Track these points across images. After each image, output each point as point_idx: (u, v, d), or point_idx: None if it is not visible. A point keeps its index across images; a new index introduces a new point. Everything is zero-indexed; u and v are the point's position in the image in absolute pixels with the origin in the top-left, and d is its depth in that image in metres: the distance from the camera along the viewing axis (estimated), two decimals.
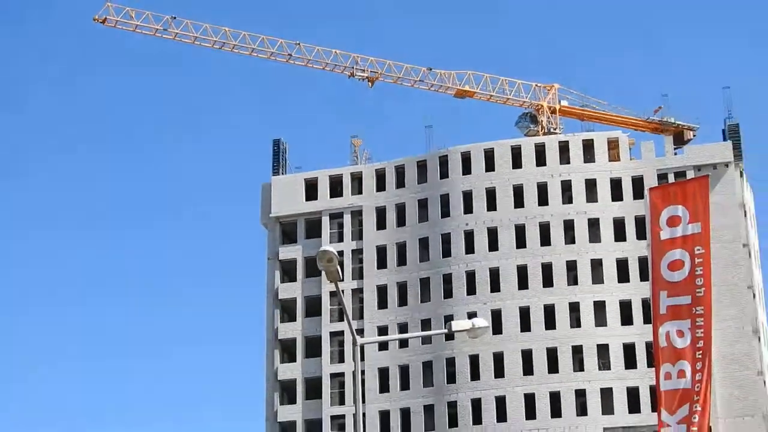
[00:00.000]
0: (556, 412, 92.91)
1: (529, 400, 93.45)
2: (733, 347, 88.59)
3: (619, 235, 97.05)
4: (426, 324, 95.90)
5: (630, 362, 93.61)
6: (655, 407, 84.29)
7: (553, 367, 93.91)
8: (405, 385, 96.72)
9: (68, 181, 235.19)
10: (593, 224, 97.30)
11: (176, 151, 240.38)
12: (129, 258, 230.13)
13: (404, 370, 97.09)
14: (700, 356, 25.47)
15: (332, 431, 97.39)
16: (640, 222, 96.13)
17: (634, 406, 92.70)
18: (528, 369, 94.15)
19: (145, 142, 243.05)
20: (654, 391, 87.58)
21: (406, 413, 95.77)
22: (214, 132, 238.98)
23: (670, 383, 25.74)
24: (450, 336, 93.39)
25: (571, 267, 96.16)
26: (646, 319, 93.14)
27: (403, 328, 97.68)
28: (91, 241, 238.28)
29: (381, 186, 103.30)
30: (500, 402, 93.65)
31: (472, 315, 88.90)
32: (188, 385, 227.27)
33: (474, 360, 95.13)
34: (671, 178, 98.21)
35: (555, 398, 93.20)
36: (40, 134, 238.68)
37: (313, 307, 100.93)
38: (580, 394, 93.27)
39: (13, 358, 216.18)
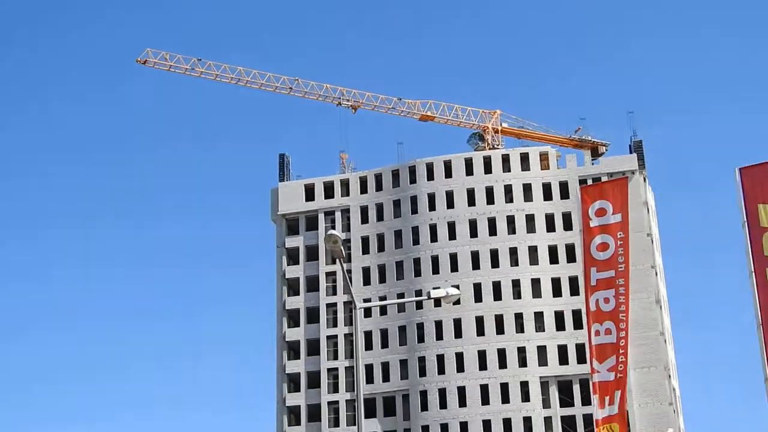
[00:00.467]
0: (502, 364, 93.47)
1: (482, 355, 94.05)
2: (640, 314, 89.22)
3: (550, 227, 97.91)
4: (400, 296, 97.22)
5: (560, 325, 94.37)
6: (580, 360, 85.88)
7: (500, 329, 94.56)
8: (385, 344, 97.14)
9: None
10: (529, 219, 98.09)
11: (203, 161, 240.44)
12: (163, 245, 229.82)
13: (384, 333, 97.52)
14: (622, 318, 26.37)
15: (328, 380, 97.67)
16: (566, 217, 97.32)
17: (563, 360, 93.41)
18: (480, 331, 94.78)
19: (179, 153, 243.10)
20: (579, 348, 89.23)
21: (385, 366, 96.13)
22: (234, 147, 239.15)
23: (599, 339, 26.60)
24: (419, 305, 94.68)
25: (513, 252, 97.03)
26: (573, 292, 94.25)
27: (382, 299, 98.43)
28: (134, 234, 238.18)
29: (364, 190, 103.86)
30: (459, 357, 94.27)
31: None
32: (207, 335, 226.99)
33: (438, 324, 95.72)
34: (589, 183, 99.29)
35: (501, 354, 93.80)
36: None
37: (312, 285, 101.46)
38: (521, 351, 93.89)
39: None
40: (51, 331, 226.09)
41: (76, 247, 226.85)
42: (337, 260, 20.70)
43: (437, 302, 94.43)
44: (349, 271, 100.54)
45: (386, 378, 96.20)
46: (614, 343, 25.91)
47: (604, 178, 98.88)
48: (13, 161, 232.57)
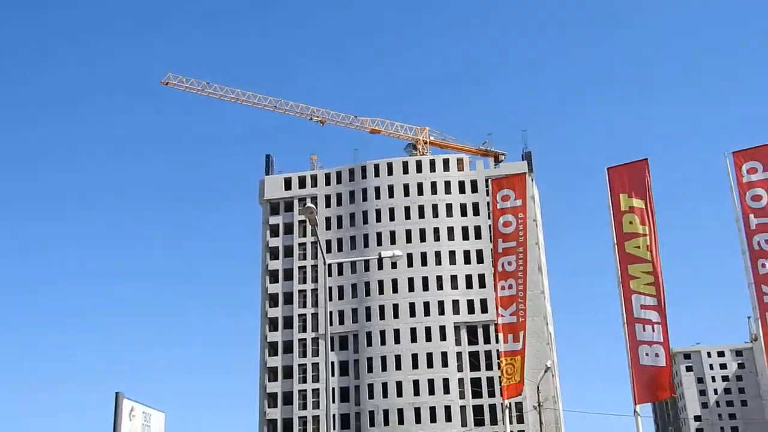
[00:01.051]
0: (427, 312, 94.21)
1: (412, 306, 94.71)
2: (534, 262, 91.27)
3: (464, 213, 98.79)
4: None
5: (469, 285, 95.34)
6: (483, 311, 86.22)
7: (425, 287, 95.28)
8: (341, 296, 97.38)
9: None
10: (449, 207, 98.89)
11: (209, 159, 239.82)
12: (173, 224, 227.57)
13: (340, 288, 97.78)
14: (521, 276, 26.82)
15: (299, 323, 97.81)
16: (475, 206, 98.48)
17: (471, 310, 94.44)
18: (411, 288, 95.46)
19: (190, 153, 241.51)
20: (482, 302, 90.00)
21: (341, 313, 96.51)
22: (231, 149, 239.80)
23: (503, 292, 27.12)
24: (367, 268, 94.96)
25: (436, 231, 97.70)
26: (478, 260, 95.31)
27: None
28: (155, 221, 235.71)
29: (328, 182, 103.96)
30: (395, 307, 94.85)
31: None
32: (202, 288, 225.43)
33: (380, 283, 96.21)
34: (491, 182, 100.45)
35: (426, 305, 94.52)
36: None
37: (288, 252, 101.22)
38: (441, 303, 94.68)
39: None
40: None
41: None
42: (311, 226, 20.98)
43: (380, 266, 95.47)
44: (315, 244, 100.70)
45: (341, 322, 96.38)
46: (515, 295, 26.39)
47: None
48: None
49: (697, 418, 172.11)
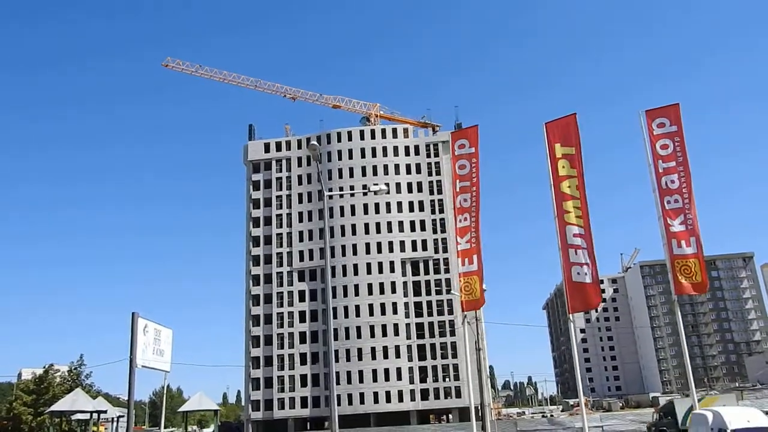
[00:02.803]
0: (379, 250, 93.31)
1: (367, 245, 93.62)
2: None
3: (409, 171, 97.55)
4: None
5: (413, 228, 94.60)
6: (424, 249, 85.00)
7: (378, 230, 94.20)
8: (310, 238, 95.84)
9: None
10: (397, 166, 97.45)
11: (203, 129, 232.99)
12: (172, 184, 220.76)
13: (310, 232, 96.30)
14: (473, 209, 25.54)
15: (276, 259, 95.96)
16: (417, 166, 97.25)
17: (414, 248, 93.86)
18: (367, 231, 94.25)
19: (187, 126, 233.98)
20: (423, 242, 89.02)
21: (311, 251, 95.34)
22: (221, 121, 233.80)
23: (461, 224, 25.79)
24: (331, 215, 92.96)
25: (387, 185, 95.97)
26: (420, 209, 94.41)
27: (310, 212, 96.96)
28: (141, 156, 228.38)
29: (299, 147, 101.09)
30: (354, 247, 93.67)
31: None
32: (200, 226, 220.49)
33: (343, 227, 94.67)
34: (431, 147, 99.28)
35: (379, 244, 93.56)
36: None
37: (267, 203, 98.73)
38: (390, 243, 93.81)
39: None
40: None
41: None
42: (313, 160, 19.18)
43: (342, 213, 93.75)
44: (289, 196, 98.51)
45: (311, 258, 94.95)
46: (469, 226, 25.20)
47: (440, 146, 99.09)
48: None
49: (582, 331, 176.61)
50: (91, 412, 19.20)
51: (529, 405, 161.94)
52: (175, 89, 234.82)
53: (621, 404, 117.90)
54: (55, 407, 18.66)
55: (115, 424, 23.92)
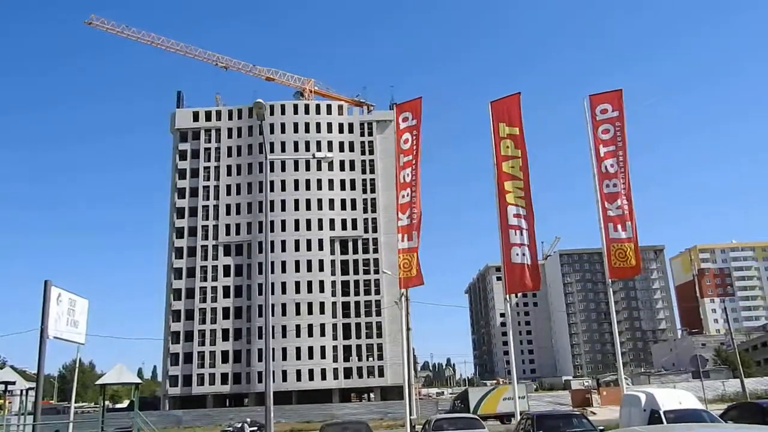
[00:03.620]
0: (309, 227, 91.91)
1: (297, 221, 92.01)
2: (395, 191, 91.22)
3: (342, 149, 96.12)
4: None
5: (344, 207, 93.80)
6: (353, 228, 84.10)
7: (308, 207, 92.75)
8: (237, 212, 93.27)
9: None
10: (330, 143, 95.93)
11: (128, 95, 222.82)
12: (95, 150, 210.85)
13: (237, 206, 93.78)
14: (413, 185, 25.02)
15: (202, 232, 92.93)
16: (351, 144, 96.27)
17: (344, 227, 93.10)
18: (297, 207, 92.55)
19: (112, 90, 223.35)
20: (353, 221, 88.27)
21: (238, 225, 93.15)
22: (147, 87, 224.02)
23: (402, 200, 25.29)
24: (260, 189, 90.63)
25: (320, 163, 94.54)
26: (352, 188, 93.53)
27: (239, 185, 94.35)
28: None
29: (230, 118, 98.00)
30: (283, 222, 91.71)
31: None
32: (127, 187, 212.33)
33: (272, 203, 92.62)
34: (365, 125, 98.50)
35: (308, 221, 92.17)
36: None
37: (194, 174, 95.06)
38: (320, 221, 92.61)
39: None
40: None
41: None
42: (258, 121, 18.15)
43: (272, 188, 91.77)
44: (218, 168, 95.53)
45: (238, 233, 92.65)
46: (410, 201, 24.72)
47: (374, 124, 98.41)
48: None
49: (502, 315, 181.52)
50: None
51: (447, 385, 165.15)
52: (97, 50, 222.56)
53: (535, 386, 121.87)
54: None
55: (23, 397, 22.11)
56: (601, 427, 16.85)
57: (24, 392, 21.87)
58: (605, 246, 23.48)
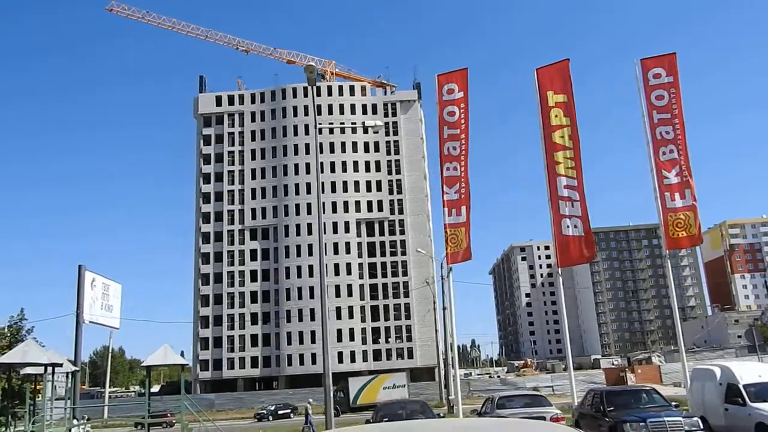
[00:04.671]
0: (334, 210, 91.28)
1: (324, 205, 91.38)
2: (415, 179, 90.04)
3: (366, 131, 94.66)
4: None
5: (369, 188, 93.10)
6: (379, 210, 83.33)
7: (333, 189, 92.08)
8: (264, 196, 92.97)
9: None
10: (355, 124, 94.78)
11: (153, 79, 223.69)
12: (124, 134, 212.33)
13: (264, 189, 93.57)
14: (463, 159, 24.15)
15: (227, 217, 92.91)
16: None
17: (369, 209, 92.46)
18: (323, 190, 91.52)
19: (137, 75, 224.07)
20: (379, 203, 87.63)
21: (264, 209, 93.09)
22: (170, 71, 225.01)
23: (448, 173, 24.33)
24: (285, 172, 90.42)
25: (343, 144, 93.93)
26: (376, 169, 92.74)
27: (263, 169, 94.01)
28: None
29: (253, 101, 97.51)
30: (308, 205, 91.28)
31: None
32: (150, 173, 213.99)
33: (297, 186, 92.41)
34: (389, 106, 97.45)
35: (334, 204, 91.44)
36: None
37: (219, 159, 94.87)
38: (346, 203, 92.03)
39: None
40: None
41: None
42: (310, 86, 17.19)
43: (297, 171, 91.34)
44: (242, 152, 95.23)
45: (264, 216, 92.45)
46: (458, 176, 23.76)
47: (398, 104, 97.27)
48: None
49: (527, 295, 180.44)
50: (46, 365, 17.12)
51: (473, 366, 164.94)
52: (119, 37, 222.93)
53: (563, 366, 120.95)
54: (3, 359, 16.49)
55: (64, 381, 21.87)
56: (675, 403, 15.99)
57: (69, 375, 21.62)
58: (662, 216, 22.43)
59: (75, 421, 25.16)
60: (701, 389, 16.73)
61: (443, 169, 24.07)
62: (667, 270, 23.22)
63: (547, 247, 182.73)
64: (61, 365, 18.24)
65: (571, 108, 23.91)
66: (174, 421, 46.88)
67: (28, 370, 20.06)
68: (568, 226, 22.79)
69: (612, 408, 15.15)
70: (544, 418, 14.49)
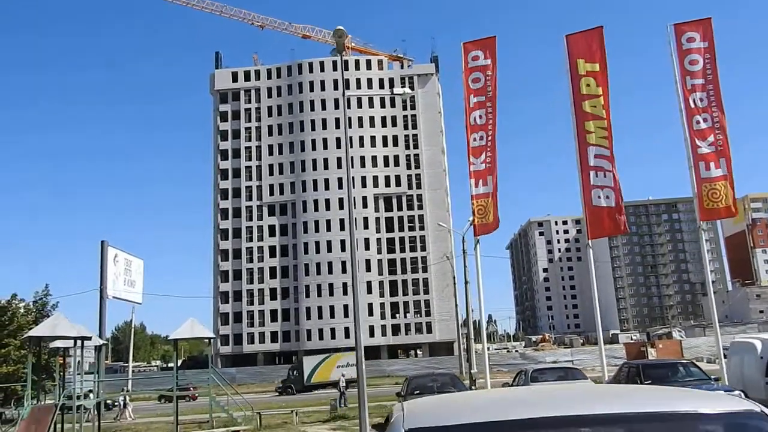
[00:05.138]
0: (354, 186, 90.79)
1: (339, 179, 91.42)
2: (432, 153, 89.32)
3: (383, 104, 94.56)
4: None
5: (386, 163, 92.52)
6: (397, 185, 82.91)
7: (352, 165, 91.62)
8: (281, 171, 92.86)
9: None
10: (371, 99, 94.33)
11: (169, 55, 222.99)
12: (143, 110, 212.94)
13: (281, 164, 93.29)
14: (490, 128, 23.62)
15: (245, 193, 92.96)
16: (391, 100, 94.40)
17: (387, 184, 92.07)
18: (339, 166, 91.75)
19: (157, 51, 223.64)
20: (397, 177, 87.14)
21: (281, 185, 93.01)
22: (187, 46, 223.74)
23: (475, 143, 23.82)
24: (302, 148, 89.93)
25: (360, 118, 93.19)
26: (394, 144, 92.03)
27: (280, 145, 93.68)
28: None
29: (269, 77, 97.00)
30: (326, 181, 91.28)
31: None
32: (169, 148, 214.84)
33: (314, 161, 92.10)
34: (406, 80, 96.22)
35: (354, 179, 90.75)
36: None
37: (236, 135, 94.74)
38: (363, 178, 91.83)
39: None
40: None
41: None
42: (338, 51, 16.63)
43: (314, 147, 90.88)
44: (258, 128, 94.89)
45: (281, 192, 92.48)
46: (484, 145, 23.24)
47: (415, 78, 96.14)
48: None
49: (545, 270, 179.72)
50: (75, 339, 17.08)
51: (491, 341, 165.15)
52: (134, 14, 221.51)
53: (582, 341, 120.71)
54: (33, 332, 16.47)
55: (96, 353, 22.05)
56: (715, 377, 15.59)
57: (98, 349, 21.71)
58: (696, 186, 21.81)
59: (121, 393, 25.49)
60: (740, 363, 16.30)
61: (470, 140, 23.56)
62: (702, 243, 22.65)
63: (565, 222, 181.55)
64: (90, 339, 18.21)
65: (604, 77, 23.22)
66: (196, 395, 47.31)
67: (57, 343, 20.13)
68: (599, 197, 22.25)
69: (649, 381, 14.77)
70: None
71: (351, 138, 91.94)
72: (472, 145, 23.57)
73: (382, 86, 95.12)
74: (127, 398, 32.26)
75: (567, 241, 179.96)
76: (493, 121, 23.40)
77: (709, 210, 21.85)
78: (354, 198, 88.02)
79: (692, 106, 22.50)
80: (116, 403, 43.22)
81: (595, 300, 22.17)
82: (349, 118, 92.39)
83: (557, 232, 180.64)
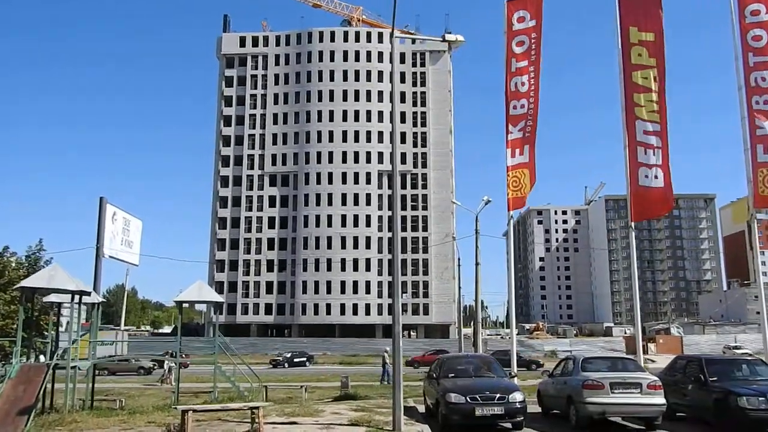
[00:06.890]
0: (356, 160, 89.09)
1: (344, 153, 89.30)
2: (438, 133, 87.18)
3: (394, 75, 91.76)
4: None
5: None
6: (403, 162, 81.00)
7: (356, 139, 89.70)
8: (285, 142, 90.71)
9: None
10: (381, 73, 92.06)
11: (178, 19, 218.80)
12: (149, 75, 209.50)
13: (285, 134, 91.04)
14: (532, 95, 21.78)
15: (247, 162, 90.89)
16: (402, 74, 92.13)
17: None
18: (344, 139, 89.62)
19: (168, 20, 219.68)
20: (403, 155, 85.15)
21: (284, 155, 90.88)
22: (196, 12, 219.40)
23: (515, 111, 21.96)
24: (308, 119, 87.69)
25: (368, 92, 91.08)
26: (401, 120, 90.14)
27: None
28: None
29: (278, 44, 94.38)
30: (331, 154, 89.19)
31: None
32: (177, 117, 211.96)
33: (319, 133, 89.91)
34: (417, 56, 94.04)
35: (356, 154, 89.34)
36: None
37: (240, 102, 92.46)
38: (368, 153, 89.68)
39: None
40: None
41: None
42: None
43: (320, 118, 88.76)
44: (264, 96, 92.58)
45: (284, 163, 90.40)
46: (525, 113, 21.49)
47: (427, 54, 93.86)
48: None
49: (541, 259, 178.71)
50: (73, 293, 15.37)
51: (483, 327, 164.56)
52: None
53: (575, 331, 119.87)
54: (27, 282, 14.78)
55: (95, 312, 20.43)
56: None
57: (95, 307, 20.06)
58: (751, 172, 20.09)
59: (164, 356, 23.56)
60: None
61: (509, 108, 21.79)
62: (754, 232, 20.97)
63: (564, 212, 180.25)
64: (89, 294, 16.51)
65: (660, 47, 21.35)
66: (188, 363, 45.86)
67: (51, 297, 18.42)
68: (647, 176, 20.52)
69: (715, 378, 13.18)
70: (640, 385, 12.63)
71: (357, 111, 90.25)
72: (511, 114, 21.75)
73: (391, 61, 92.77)
74: (172, 363, 31.24)
75: (565, 231, 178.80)
76: (536, 87, 21.59)
77: (764, 197, 20.14)
78: (357, 173, 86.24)
79: (753, 84, 20.73)
80: (154, 367, 42.24)
81: (636, 287, 20.56)
82: (357, 91, 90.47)
83: (555, 221, 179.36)
